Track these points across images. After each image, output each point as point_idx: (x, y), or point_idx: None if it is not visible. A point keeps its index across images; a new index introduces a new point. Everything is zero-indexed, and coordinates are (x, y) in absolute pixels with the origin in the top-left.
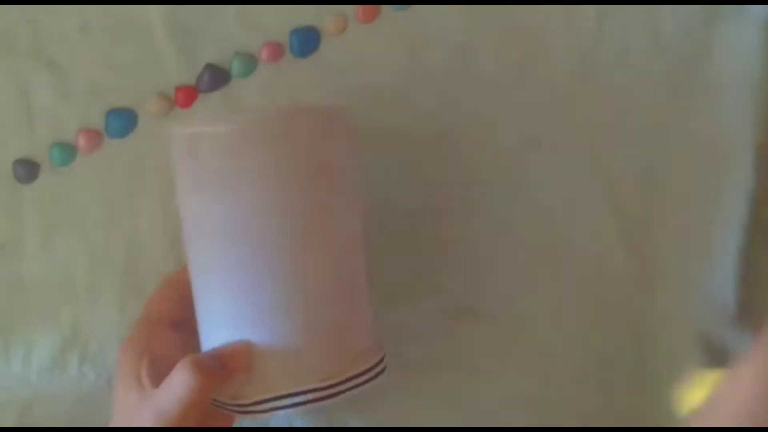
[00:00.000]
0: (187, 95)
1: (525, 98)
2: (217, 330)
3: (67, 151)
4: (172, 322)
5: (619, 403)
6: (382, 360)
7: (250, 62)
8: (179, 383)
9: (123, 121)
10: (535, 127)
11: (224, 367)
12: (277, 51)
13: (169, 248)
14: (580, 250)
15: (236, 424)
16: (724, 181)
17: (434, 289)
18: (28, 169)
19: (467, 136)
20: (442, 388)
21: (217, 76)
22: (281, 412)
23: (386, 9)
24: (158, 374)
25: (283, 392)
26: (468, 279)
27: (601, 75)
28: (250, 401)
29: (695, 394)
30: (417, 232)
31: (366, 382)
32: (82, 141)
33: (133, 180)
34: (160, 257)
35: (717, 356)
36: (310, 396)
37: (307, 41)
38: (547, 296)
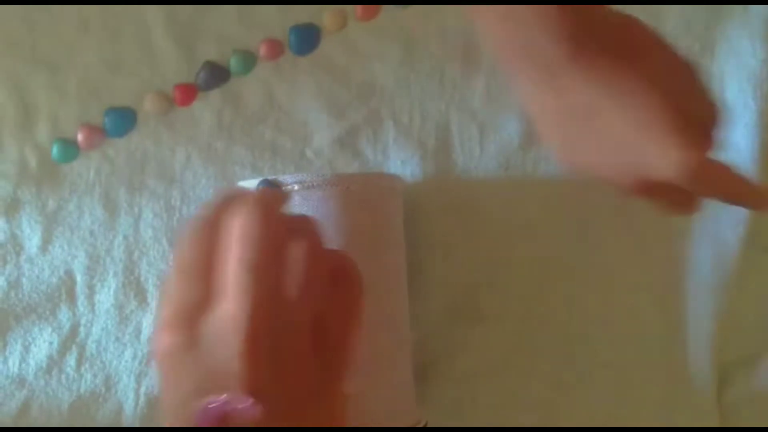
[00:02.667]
0: (186, 93)
1: None
2: None
3: (68, 150)
4: None
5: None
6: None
7: (249, 60)
8: None
9: (122, 120)
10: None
11: None
12: (276, 48)
13: (170, 248)
14: (585, 249)
15: None
16: None
17: (436, 290)
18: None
19: (467, 135)
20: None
21: (216, 74)
22: None
23: (386, 7)
24: None
25: None
26: (469, 279)
27: None
28: None
29: None
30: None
31: None
32: (82, 139)
33: (133, 179)
34: (160, 257)
35: None
36: None
37: (306, 39)
38: (551, 297)
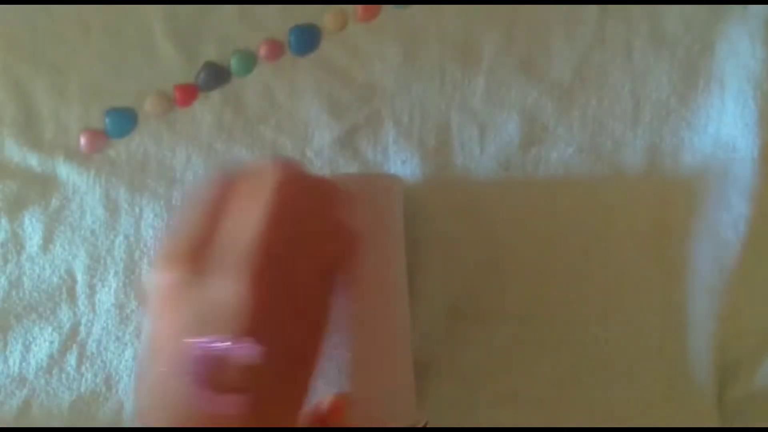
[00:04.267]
0: (187, 94)
1: (525, 98)
2: None
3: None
4: None
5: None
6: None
7: (250, 60)
8: None
9: (123, 120)
10: (536, 127)
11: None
12: (276, 49)
13: None
14: (585, 249)
15: None
16: (727, 180)
17: (436, 290)
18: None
19: (467, 135)
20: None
21: (216, 74)
22: None
23: (386, 7)
24: None
25: None
26: (469, 279)
27: (603, 75)
28: None
29: None
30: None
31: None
32: (84, 141)
33: (134, 179)
34: None
35: None
36: None
37: (306, 39)
38: (551, 297)
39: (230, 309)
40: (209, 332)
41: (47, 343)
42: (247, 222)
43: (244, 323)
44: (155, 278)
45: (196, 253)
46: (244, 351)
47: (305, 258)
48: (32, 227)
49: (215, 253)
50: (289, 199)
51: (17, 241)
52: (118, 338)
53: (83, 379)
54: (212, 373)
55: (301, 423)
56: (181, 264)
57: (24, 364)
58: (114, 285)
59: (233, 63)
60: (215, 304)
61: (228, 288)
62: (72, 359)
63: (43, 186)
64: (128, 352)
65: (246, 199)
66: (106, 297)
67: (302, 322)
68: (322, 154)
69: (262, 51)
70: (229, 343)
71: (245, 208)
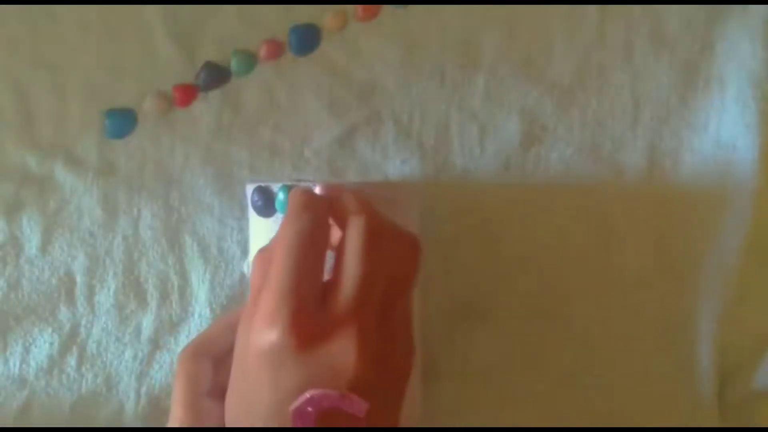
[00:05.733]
0: (187, 94)
1: (525, 98)
2: None
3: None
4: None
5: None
6: None
7: (250, 60)
8: None
9: (123, 121)
10: (536, 127)
11: None
12: (276, 49)
13: (169, 248)
14: (586, 249)
15: None
16: (728, 181)
17: (436, 290)
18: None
19: (467, 135)
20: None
21: (216, 74)
22: None
23: (386, 7)
24: None
25: None
26: (469, 279)
27: (603, 75)
28: None
29: None
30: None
31: None
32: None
33: (132, 180)
34: (159, 257)
35: None
36: None
37: (306, 39)
38: (551, 297)
39: (338, 367)
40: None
41: (47, 345)
42: (347, 276)
43: (351, 382)
44: (258, 337)
45: (301, 315)
46: (353, 406)
47: (397, 294)
48: (30, 229)
49: (317, 313)
50: (379, 243)
51: (16, 243)
52: (117, 339)
53: (83, 380)
54: (321, 417)
55: None
56: (288, 327)
57: (24, 365)
58: (113, 286)
59: (233, 63)
60: (322, 364)
61: (334, 349)
62: (72, 360)
63: (41, 187)
64: (128, 353)
65: (341, 251)
66: (105, 298)
67: (399, 366)
68: (321, 154)
69: (262, 51)
70: (337, 397)
71: (344, 264)
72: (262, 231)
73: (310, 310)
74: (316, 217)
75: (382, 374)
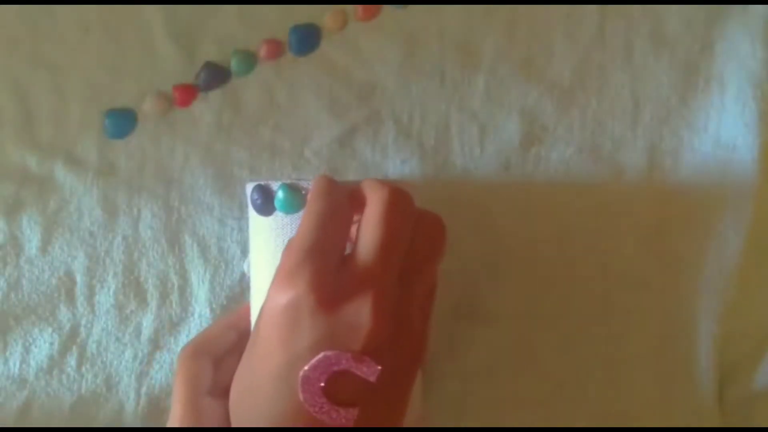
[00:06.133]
0: (186, 94)
1: (526, 98)
2: None
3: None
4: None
5: (623, 404)
6: None
7: (250, 60)
8: None
9: (123, 121)
10: (536, 127)
11: None
12: (276, 48)
13: (169, 248)
14: (586, 249)
15: None
16: (728, 181)
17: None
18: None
19: (467, 135)
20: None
21: (216, 74)
22: None
23: (386, 7)
24: None
25: None
26: (469, 279)
27: (603, 75)
28: None
29: None
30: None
31: None
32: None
33: (132, 180)
34: (159, 257)
35: None
36: None
37: (306, 39)
38: (551, 297)
39: (353, 328)
40: (335, 348)
41: (47, 345)
42: (367, 240)
43: (365, 342)
44: (276, 295)
45: (322, 274)
46: (364, 368)
47: (416, 271)
48: (30, 229)
49: (336, 275)
50: (401, 211)
51: (15, 243)
52: (117, 339)
53: (83, 380)
54: (329, 384)
55: None
56: (309, 284)
57: (24, 365)
58: (113, 286)
59: (233, 63)
60: (339, 323)
61: (351, 309)
62: (72, 360)
63: (41, 187)
64: (128, 353)
65: (363, 221)
66: (105, 298)
67: (412, 341)
68: (321, 154)
69: (262, 51)
70: (350, 358)
71: (362, 231)
72: (261, 230)
73: (330, 270)
74: (339, 197)
75: (395, 343)
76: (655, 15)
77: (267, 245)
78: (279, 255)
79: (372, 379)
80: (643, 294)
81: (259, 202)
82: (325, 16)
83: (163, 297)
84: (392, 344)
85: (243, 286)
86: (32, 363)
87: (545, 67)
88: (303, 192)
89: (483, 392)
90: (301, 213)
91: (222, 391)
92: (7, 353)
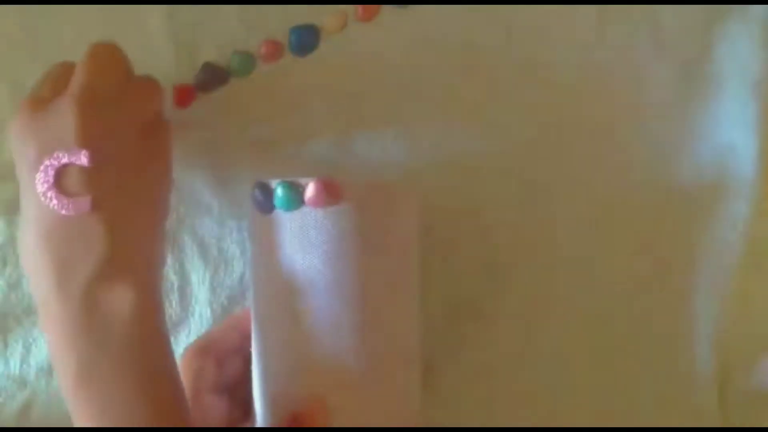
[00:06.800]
0: (185, 94)
1: (525, 98)
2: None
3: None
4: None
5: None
6: None
7: (249, 61)
8: None
9: None
10: (536, 127)
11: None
12: (276, 49)
13: (169, 248)
14: (586, 249)
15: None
16: (727, 181)
17: (436, 291)
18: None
19: (468, 136)
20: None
21: (215, 75)
22: None
23: (386, 7)
24: None
25: None
26: (469, 279)
27: (602, 75)
28: None
29: None
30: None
31: None
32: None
33: None
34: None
35: None
36: None
37: (306, 39)
38: (551, 298)
39: (66, 130)
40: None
41: (47, 345)
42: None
43: (75, 138)
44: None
45: (30, 99)
46: (78, 159)
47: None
48: None
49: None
50: (101, 58)
51: (15, 244)
52: None
53: None
54: (58, 180)
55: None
56: (32, 104)
57: (24, 365)
58: None
59: (233, 63)
60: (56, 129)
61: (62, 115)
62: None
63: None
64: None
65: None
66: None
67: (131, 152)
68: (321, 154)
69: (262, 51)
70: (66, 154)
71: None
72: (262, 228)
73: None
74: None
75: (111, 131)
76: (655, 15)
77: (266, 242)
78: (277, 251)
79: (86, 163)
80: (643, 294)
81: (259, 199)
82: (325, 16)
83: (163, 297)
84: (106, 134)
85: (243, 286)
86: (33, 363)
87: (545, 67)
88: (301, 189)
89: (483, 392)
90: (299, 210)
91: (224, 389)
92: (8, 353)
